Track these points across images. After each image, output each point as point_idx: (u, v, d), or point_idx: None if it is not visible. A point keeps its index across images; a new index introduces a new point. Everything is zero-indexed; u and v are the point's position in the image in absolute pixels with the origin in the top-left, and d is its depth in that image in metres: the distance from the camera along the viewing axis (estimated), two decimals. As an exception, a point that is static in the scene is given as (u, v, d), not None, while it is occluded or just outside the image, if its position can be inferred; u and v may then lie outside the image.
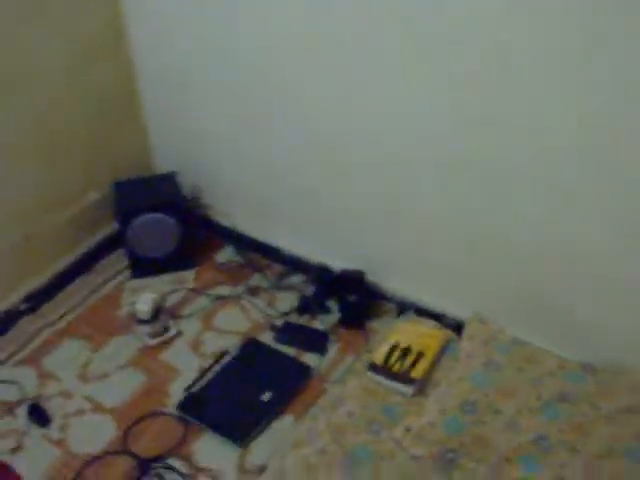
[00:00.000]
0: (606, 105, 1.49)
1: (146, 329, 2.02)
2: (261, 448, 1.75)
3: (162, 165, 2.46)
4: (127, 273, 2.30)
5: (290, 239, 2.29)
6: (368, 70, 1.76)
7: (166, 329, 2.07)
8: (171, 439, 1.77)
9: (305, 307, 2.15)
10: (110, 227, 2.36)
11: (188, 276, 2.31)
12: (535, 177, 1.67)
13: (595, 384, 1.75)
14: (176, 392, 1.90)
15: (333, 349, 2.03)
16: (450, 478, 1.59)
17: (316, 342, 2.04)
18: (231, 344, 2.04)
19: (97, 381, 1.94)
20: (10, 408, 1.86)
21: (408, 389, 1.81)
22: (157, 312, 2.02)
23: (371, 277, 2.12)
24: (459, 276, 1.98)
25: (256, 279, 2.29)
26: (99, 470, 1.71)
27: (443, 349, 1.94)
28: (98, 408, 1.86)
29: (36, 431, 1.80)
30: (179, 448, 1.76)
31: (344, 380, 1.89)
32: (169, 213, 2.19)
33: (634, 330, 1.74)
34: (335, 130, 1.94)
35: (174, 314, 2.14)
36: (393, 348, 1.92)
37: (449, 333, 1.99)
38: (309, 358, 2.00)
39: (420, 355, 1.89)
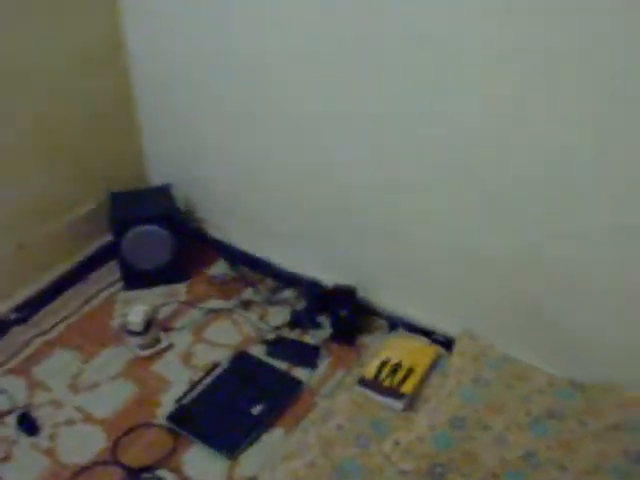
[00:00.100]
0: (606, 105, 1.49)
1: (137, 341, 2.03)
2: (251, 460, 1.75)
3: (157, 177, 2.48)
4: (120, 285, 2.31)
5: (283, 254, 2.31)
6: (367, 81, 1.78)
7: (157, 341, 2.07)
8: (161, 450, 1.77)
9: (297, 322, 2.16)
10: (104, 238, 2.36)
11: (180, 289, 2.31)
12: (518, 196, 1.71)
13: (584, 401, 1.77)
14: (166, 403, 1.90)
15: (324, 364, 2.04)
16: (439, 493, 1.59)
17: (307, 356, 2.05)
18: (222, 357, 2.04)
19: (87, 391, 1.94)
20: (-1, 417, 1.86)
21: (398, 404, 1.82)
22: (149, 324, 2.03)
23: (362, 293, 2.13)
24: (450, 292, 1.99)
25: (248, 293, 2.30)
26: (88, 480, 1.71)
27: (433, 365, 1.95)
28: (88, 418, 1.86)
29: (25, 440, 1.79)
30: (169, 459, 1.75)
31: (334, 394, 1.89)
32: (163, 225, 2.21)
33: (623, 347, 1.76)
34: (332, 145, 1.96)
35: (166, 326, 2.15)
36: (384, 363, 1.93)
37: (439, 349, 2.00)
38: (300, 372, 2.00)
39: (410, 371, 1.90)
